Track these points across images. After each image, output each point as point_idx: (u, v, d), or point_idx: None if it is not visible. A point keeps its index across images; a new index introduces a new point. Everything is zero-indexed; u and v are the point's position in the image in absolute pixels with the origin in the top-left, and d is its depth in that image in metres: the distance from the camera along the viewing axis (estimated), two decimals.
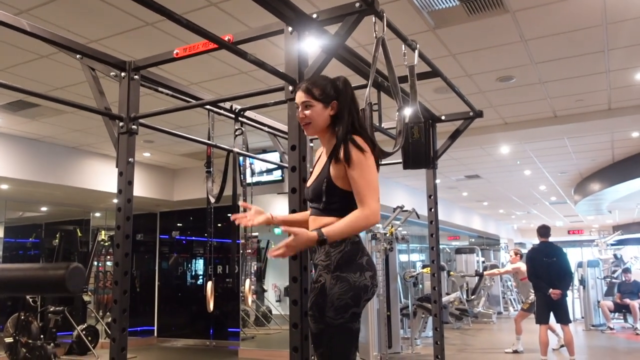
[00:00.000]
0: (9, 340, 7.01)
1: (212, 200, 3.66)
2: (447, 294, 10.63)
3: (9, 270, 0.65)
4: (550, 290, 6.15)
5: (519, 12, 4.09)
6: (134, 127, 2.88)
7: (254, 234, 7.99)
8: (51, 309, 7.64)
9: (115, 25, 4.13)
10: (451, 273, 11.72)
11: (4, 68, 4.84)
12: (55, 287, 0.62)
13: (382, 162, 2.20)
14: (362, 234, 6.96)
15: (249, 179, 5.56)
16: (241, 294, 8.64)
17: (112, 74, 2.97)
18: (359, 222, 1.94)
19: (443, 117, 4.03)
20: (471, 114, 3.96)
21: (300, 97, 2.11)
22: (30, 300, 7.46)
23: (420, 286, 9.89)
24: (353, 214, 1.94)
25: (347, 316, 1.92)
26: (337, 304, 1.92)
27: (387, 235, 7.60)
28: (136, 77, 2.95)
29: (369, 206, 1.94)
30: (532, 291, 7.43)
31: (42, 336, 7.05)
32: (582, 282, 10.87)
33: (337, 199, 2.05)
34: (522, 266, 8.13)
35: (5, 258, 9.59)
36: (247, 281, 4.64)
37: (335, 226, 1.93)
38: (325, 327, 1.94)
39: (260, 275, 10.45)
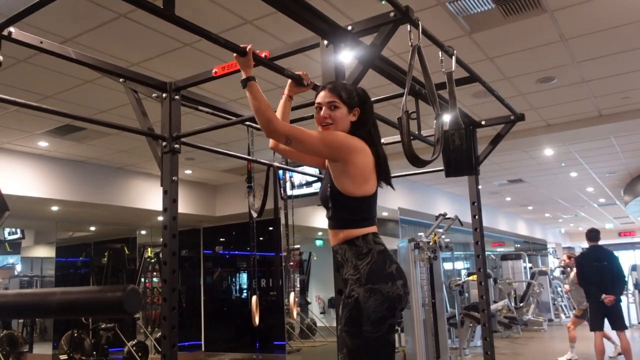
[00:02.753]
0: (63, 357, 7.23)
1: (255, 214, 3.70)
2: (495, 301, 10.39)
3: (67, 293, 0.66)
4: (603, 295, 5.93)
5: (557, 12, 3.99)
6: (176, 146, 2.95)
7: (296, 246, 8.03)
8: (102, 326, 7.85)
9: (154, 48, 4.24)
10: (506, 281, 11.42)
11: (51, 94, 5.04)
12: (113, 309, 0.63)
13: (424, 170, 2.20)
14: (402, 244, 6.85)
15: (289, 192, 5.60)
16: (285, 307, 8.66)
17: (153, 95, 3.05)
18: (266, 112, 1.92)
19: (483, 122, 3.96)
20: (512, 117, 3.87)
21: (325, 96, 2.07)
22: (83, 318, 7.68)
23: (467, 295, 9.70)
24: (271, 112, 1.94)
25: (384, 328, 1.88)
26: (373, 317, 1.87)
27: (431, 243, 7.49)
28: (177, 97, 3.02)
29: (283, 124, 1.96)
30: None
31: (94, 353, 7.24)
32: (637, 286, 10.45)
33: (341, 206, 2.03)
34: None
35: (58, 277, 9.93)
36: (292, 294, 4.66)
37: (256, 91, 1.96)
38: (363, 342, 1.88)
39: (303, 288, 10.47)
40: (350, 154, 1.98)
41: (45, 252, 11.13)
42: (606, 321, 6.10)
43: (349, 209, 2.02)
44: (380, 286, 1.90)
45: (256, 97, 1.95)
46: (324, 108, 2.06)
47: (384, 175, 2.09)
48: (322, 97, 2.08)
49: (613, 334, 6.72)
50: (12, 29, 2.16)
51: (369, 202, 2.04)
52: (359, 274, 1.94)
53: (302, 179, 7.94)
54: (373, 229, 2.03)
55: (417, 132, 3.44)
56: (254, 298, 3.98)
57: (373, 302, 1.88)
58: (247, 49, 2.02)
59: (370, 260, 1.94)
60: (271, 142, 2.25)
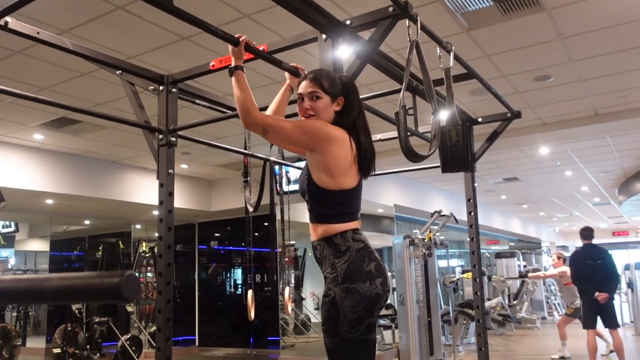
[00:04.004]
0: (57, 351, 7.21)
1: (251, 209, 3.70)
2: (489, 299, 10.42)
3: (65, 279, 0.66)
4: (597, 293, 5.96)
5: (555, 10, 4.00)
6: (173, 139, 2.94)
7: (291, 242, 8.01)
8: (96, 320, 7.84)
9: (151, 41, 4.23)
10: (494, 277, 11.49)
11: (47, 87, 5.02)
12: (110, 294, 0.63)
13: (420, 167, 2.19)
14: (398, 240, 6.86)
15: (285, 188, 5.59)
16: (280, 303, 8.67)
17: (150, 88, 3.03)
18: (246, 103, 1.88)
19: (480, 119, 3.96)
20: (509, 114, 3.88)
21: (306, 86, 2.01)
22: (76, 311, 7.67)
23: (461, 292, 9.73)
24: (252, 105, 1.90)
25: (362, 328, 1.84)
26: (350, 317, 1.83)
27: (426, 240, 7.51)
28: (174, 90, 3.01)
29: (260, 114, 1.90)
30: (577, 296, 7.23)
31: (88, 346, 7.23)
32: (631, 285, 10.50)
33: (318, 199, 1.97)
34: (567, 270, 7.91)
35: (52, 271, 9.89)
36: (287, 289, 4.66)
37: (241, 81, 1.92)
38: (341, 342, 1.86)
39: (298, 284, 10.47)
40: (326, 143, 1.91)
41: (40, 245, 11.09)
42: (599, 320, 6.13)
43: (326, 203, 1.96)
44: (357, 285, 1.85)
45: (240, 87, 1.92)
46: (305, 99, 2.01)
47: (364, 168, 2.00)
48: (303, 87, 2.03)
49: (605, 332, 6.76)
50: (8, 18, 2.14)
51: (349, 196, 1.97)
52: (336, 273, 1.89)
53: (299, 175, 7.94)
54: (353, 224, 1.97)
55: (413, 128, 3.44)
56: (250, 293, 3.99)
57: (350, 302, 1.84)
58: (240, 39, 2.02)
59: (347, 259, 1.89)
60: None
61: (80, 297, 0.66)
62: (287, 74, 2.33)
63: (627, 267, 10.97)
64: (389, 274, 2.06)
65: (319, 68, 2.19)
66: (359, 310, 1.83)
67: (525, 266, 14.13)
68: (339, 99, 2.00)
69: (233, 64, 1.99)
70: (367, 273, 1.87)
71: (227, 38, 2.02)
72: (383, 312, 6.55)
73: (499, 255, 14.45)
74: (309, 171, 1.98)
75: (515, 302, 11.60)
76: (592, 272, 6.11)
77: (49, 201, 7.97)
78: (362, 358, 1.87)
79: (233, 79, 1.95)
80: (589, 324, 6.14)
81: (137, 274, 9.16)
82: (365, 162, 1.99)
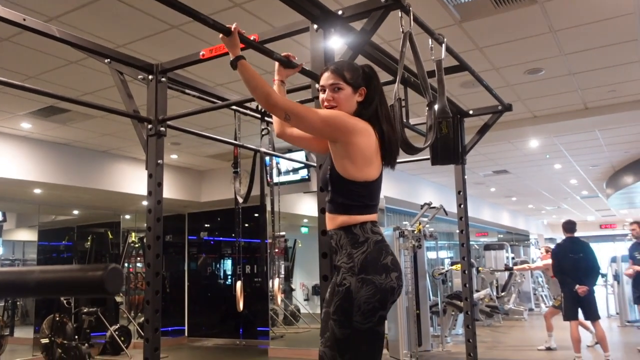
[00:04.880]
0: (45, 341, 7.17)
1: (241, 200, 3.68)
2: (477, 291, 10.49)
3: (47, 272, 0.65)
4: (577, 286, 6.03)
5: (547, 3, 4.00)
6: (162, 129, 2.91)
7: (281, 233, 8.01)
8: (85, 310, 7.80)
9: (141, 29, 4.17)
10: (480, 269, 11.57)
11: (34, 75, 4.95)
12: (93, 288, 0.61)
13: (410, 159, 2.17)
14: (388, 232, 6.88)
15: (275, 179, 5.57)
16: (270, 294, 8.68)
17: (139, 77, 3.00)
18: (263, 87, 1.86)
19: (471, 112, 3.97)
20: (500, 107, 3.89)
21: (328, 77, 2.00)
22: (65, 301, 7.62)
23: (450, 283, 9.78)
24: (272, 90, 1.88)
25: (374, 320, 1.85)
26: (364, 308, 1.83)
27: (415, 232, 7.54)
28: (163, 79, 2.98)
29: (282, 99, 1.88)
30: None
31: (76, 337, 7.20)
32: (617, 277, 10.61)
33: (340, 189, 1.96)
34: None
35: (40, 261, 9.81)
36: (277, 280, 4.66)
37: (248, 69, 1.88)
38: (352, 332, 1.85)
39: (288, 275, 10.49)
40: (350, 134, 1.90)
41: (28, 235, 11.00)
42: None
43: (348, 194, 1.95)
44: (373, 277, 1.85)
45: (250, 75, 1.88)
46: (327, 91, 2.00)
47: (388, 157, 2.00)
48: (324, 79, 2.01)
49: (589, 323, 6.84)
50: None
51: (371, 188, 1.97)
52: (353, 263, 1.89)
53: (289, 166, 7.92)
54: (373, 217, 1.97)
55: (405, 121, 3.44)
56: (239, 284, 3.98)
57: (365, 293, 1.83)
58: (232, 29, 1.97)
59: (365, 250, 1.89)
60: (277, 128, 2.20)
61: (63, 290, 0.65)
62: (276, 67, 2.24)
63: (613, 260, 11.09)
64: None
65: (340, 60, 2.18)
66: (373, 301, 1.83)
67: (513, 258, 14.25)
68: (361, 89, 2.00)
69: (232, 56, 1.93)
70: (383, 266, 1.88)
71: (218, 27, 1.99)
72: None
73: (487, 247, 14.53)
74: (332, 162, 1.97)
75: (503, 293, 11.69)
76: (573, 265, 6.17)
77: (37, 191, 7.90)
78: (371, 349, 1.88)
79: (239, 70, 1.90)
80: (570, 316, 6.21)
81: (121, 267, 9.12)
82: (389, 152, 1.99)
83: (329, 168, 1.98)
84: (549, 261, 8.32)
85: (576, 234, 6.47)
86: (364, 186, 1.94)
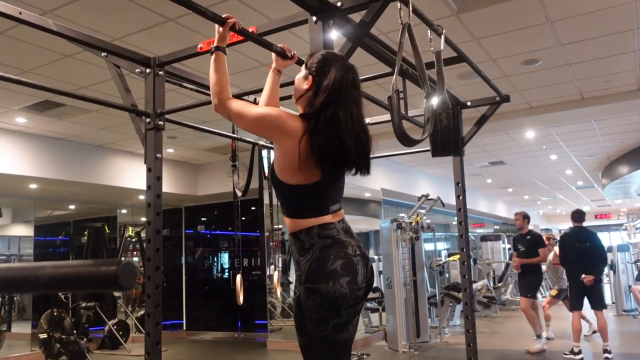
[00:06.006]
0: (43, 336, 7.17)
1: (239, 193, 3.67)
2: (474, 282, 10.55)
3: (59, 267, 0.64)
4: (583, 275, 6.05)
5: None
6: (160, 122, 2.90)
7: (279, 226, 8.02)
8: (83, 305, 7.80)
9: (137, 22, 4.15)
10: (479, 261, 11.61)
11: (29, 69, 4.91)
12: (107, 283, 0.61)
13: (409, 151, 2.15)
14: (385, 224, 6.86)
15: None
16: (268, 286, 8.69)
17: (137, 70, 2.98)
18: (219, 85, 1.87)
19: (469, 103, 3.96)
20: (497, 98, 3.89)
21: None
22: (62, 296, 7.61)
23: (447, 275, 9.83)
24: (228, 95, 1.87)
25: (328, 328, 1.76)
26: (315, 318, 1.76)
27: (413, 224, 7.55)
28: (161, 73, 2.96)
29: (227, 99, 1.87)
30: (562, 277, 7.33)
31: (74, 331, 7.20)
32: (612, 266, 10.68)
33: (280, 193, 1.86)
34: (556, 250, 7.99)
35: (36, 256, 9.79)
36: (276, 273, 4.66)
37: (220, 63, 1.89)
38: (309, 340, 1.80)
39: (285, 267, 10.50)
40: (279, 134, 1.79)
41: (24, 230, 10.95)
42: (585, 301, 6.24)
43: (288, 197, 1.86)
44: (319, 286, 1.74)
45: (216, 69, 1.90)
46: None
47: (323, 165, 1.75)
48: None
49: (589, 313, 6.87)
50: None
51: (311, 191, 1.81)
52: (300, 271, 1.82)
53: None
54: (322, 219, 1.82)
55: (404, 112, 3.43)
56: (239, 277, 3.98)
57: (312, 302, 1.75)
58: (227, 20, 1.97)
59: (310, 257, 1.79)
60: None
61: (76, 285, 0.64)
62: (273, 57, 2.25)
63: (609, 249, 11.14)
64: (372, 263, 1.94)
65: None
66: (322, 310, 1.74)
67: (509, 249, 14.31)
68: (309, 77, 1.85)
69: (215, 44, 1.95)
70: (330, 272, 1.74)
71: (213, 17, 1.98)
72: (370, 295, 6.60)
73: (484, 238, 14.61)
74: (273, 163, 1.89)
75: (500, 284, 11.76)
76: (580, 255, 6.19)
77: (33, 186, 7.86)
78: (332, 357, 1.82)
79: (212, 59, 1.91)
80: (576, 306, 6.24)
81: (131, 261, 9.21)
82: (323, 159, 1.75)
83: (270, 169, 1.90)
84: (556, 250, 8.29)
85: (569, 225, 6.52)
86: (300, 190, 1.81)
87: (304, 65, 1.92)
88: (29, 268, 0.67)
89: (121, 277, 0.61)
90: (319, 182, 1.79)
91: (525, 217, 7.10)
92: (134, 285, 0.63)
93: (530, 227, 7.34)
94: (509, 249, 14.15)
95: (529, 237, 6.98)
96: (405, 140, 2.07)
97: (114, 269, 0.61)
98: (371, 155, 1.88)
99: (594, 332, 7.33)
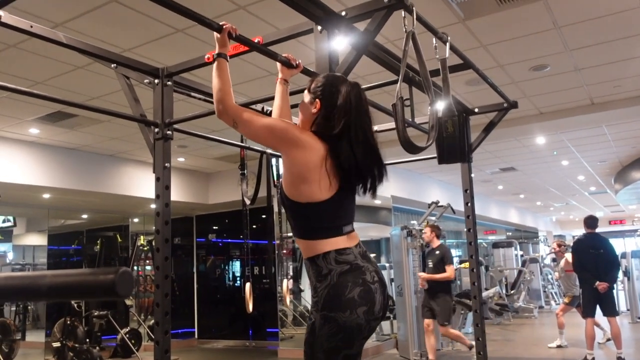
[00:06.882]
0: (56, 344, 7.22)
1: (248, 202, 3.69)
2: (486, 289, 10.47)
3: (59, 276, 0.66)
4: (597, 282, 5.98)
5: None
6: (169, 132, 2.93)
7: (288, 234, 8.03)
8: (95, 314, 7.85)
9: (146, 34, 4.20)
10: (491, 268, 11.53)
11: (42, 81, 4.99)
12: (105, 292, 0.63)
13: (416, 158, 2.16)
14: (395, 231, 6.77)
15: None
16: (279, 295, 8.69)
17: (145, 81, 3.02)
18: (222, 91, 1.85)
19: (476, 110, 3.96)
20: (505, 105, 3.88)
21: None
22: (75, 305, 7.67)
23: (458, 282, 9.76)
24: (231, 100, 1.85)
25: (338, 358, 1.74)
26: (326, 347, 1.73)
27: (423, 231, 7.52)
28: (169, 83, 3.00)
29: (232, 106, 1.84)
30: (575, 284, 7.25)
31: (87, 340, 7.24)
32: (627, 273, 10.56)
33: (290, 212, 1.84)
34: (568, 257, 7.91)
35: (50, 265, 9.90)
36: (285, 281, 4.67)
37: (222, 69, 1.88)
38: None
39: (296, 275, 10.50)
40: (289, 146, 1.76)
41: (37, 240, 11.09)
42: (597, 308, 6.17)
43: (299, 217, 1.83)
44: (335, 314, 1.71)
45: (218, 75, 1.87)
46: None
47: (347, 181, 1.78)
48: None
49: (602, 321, 6.79)
50: (1, 12, 2.13)
51: (322, 209, 1.78)
52: (317, 298, 1.79)
53: None
54: (338, 242, 1.79)
55: (410, 120, 3.44)
56: (248, 285, 3.99)
57: (327, 331, 1.73)
58: (224, 27, 1.97)
59: (328, 284, 1.75)
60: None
61: (75, 294, 0.66)
62: (279, 66, 2.27)
63: (623, 256, 11.02)
64: (384, 277, 1.89)
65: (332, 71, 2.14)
66: (335, 340, 1.72)
67: (522, 255, 14.21)
68: (315, 101, 1.85)
69: (216, 51, 1.94)
70: (348, 301, 1.71)
71: (209, 24, 2.01)
72: None
73: (496, 245, 14.50)
74: (282, 181, 1.86)
75: (512, 291, 11.66)
76: (594, 261, 6.12)
77: (46, 195, 7.95)
78: None
79: (214, 65, 1.91)
80: (589, 313, 6.17)
81: (131, 270, 9.14)
82: (350, 175, 1.78)
83: (279, 186, 1.88)
84: (567, 256, 8.18)
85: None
86: (310, 207, 1.78)
87: (306, 91, 1.91)
88: (30, 277, 0.69)
89: (118, 285, 0.62)
90: (330, 200, 1.78)
91: (434, 230, 6.43)
92: (131, 293, 0.64)
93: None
94: (522, 255, 14.05)
95: (437, 252, 6.29)
96: (410, 147, 2.08)
97: (111, 277, 0.63)
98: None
99: (608, 339, 7.24)
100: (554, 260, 11.72)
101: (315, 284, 1.79)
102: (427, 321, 6.29)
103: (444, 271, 6.15)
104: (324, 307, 1.74)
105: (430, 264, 6.30)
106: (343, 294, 1.72)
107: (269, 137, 1.82)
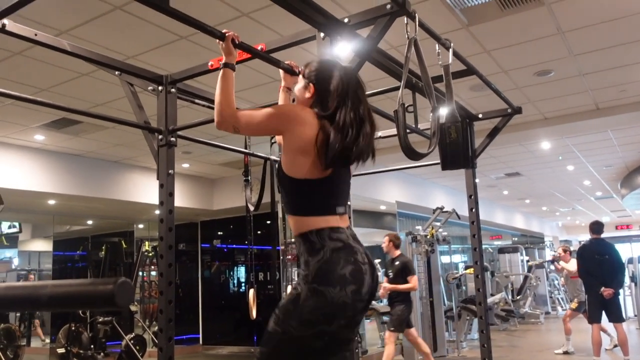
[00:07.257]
0: (61, 351, 7.23)
1: (251, 208, 3.69)
2: (492, 294, 10.42)
3: (59, 286, 0.66)
4: (602, 288, 5.94)
5: (554, 4, 3.98)
6: (172, 139, 2.94)
7: (292, 240, 8.03)
8: (100, 320, 7.85)
9: (150, 41, 4.22)
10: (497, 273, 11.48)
11: (47, 87, 5.02)
12: (104, 302, 0.63)
13: (420, 164, 2.15)
14: (400, 237, 6.72)
15: None
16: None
17: (149, 88, 3.03)
18: (224, 103, 1.82)
19: (480, 115, 3.95)
20: (509, 110, 3.87)
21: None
22: (80, 311, 7.68)
23: (464, 288, 9.73)
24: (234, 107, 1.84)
25: (310, 331, 1.72)
26: (305, 318, 1.72)
27: (428, 237, 7.51)
28: (173, 90, 3.01)
29: (238, 112, 1.82)
30: (581, 290, 7.21)
31: (92, 346, 7.25)
32: (634, 278, 10.48)
33: (287, 188, 1.86)
34: (574, 263, 7.86)
35: (55, 271, 9.93)
36: (289, 287, 4.65)
37: (227, 79, 1.86)
38: (281, 333, 1.76)
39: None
40: (291, 122, 1.81)
41: (43, 245, 11.12)
42: (603, 314, 6.13)
43: (294, 193, 1.85)
44: (325, 289, 1.70)
45: (222, 86, 1.85)
46: None
47: (326, 159, 1.78)
48: None
49: (610, 327, 6.75)
50: (5, 20, 2.14)
51: (318, 186, 1.81)
52: (308, 272, 1.77)
53: None
54: (331, 221, 1.80)
55: (414, 125, 3.44)
56: (252, 291, 3.99)
57: (312, 303, 1.71)
58: (227, 35, 1.96)
59: (321, 259, 1.74)
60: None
61: (75, 304, 0.66)
62: (281, 74, 2.29)
63: (630, 261, 10.94)
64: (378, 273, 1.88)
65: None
66: (318, 314, 1.71)
67: (528, 261, 14.14)
68: (309, 86, 1.91)
69: (223, 61, 1.93)
70: (340, 277, 1.71)
71: (213, 33, 2.00)
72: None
73: (501, 250, 14.44)
74: (280, 160, 1.91)
75: (518, 297, 11.61)
76: (599, 267, 6.09)
77: (51, 202, 7.99)
78: (289, 357, 1.78)
79: (219, 75, 1.89)
80: (595, 318, 6.13)
81: (135, 276, 9.12)
82: (329, 156, 1.78)
83: (277, 165, 1.91)
84: (572, 262, 8.13)
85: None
86: (307, 184, 1.81)
87: (300, 76, 1.96)
88: (30, 287, 0.69)
89: (117, 295, 0.63)
90: (326, 179, 1.81)
91: (392, 240, 6.11)
92: (130, 303, 0.64)
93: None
94: (527, 261, 13.98)
95: (397, 262, 6.01)
96: (411, 154, 2.07)
97: (110, 287, 0.63)
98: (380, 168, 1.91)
99: (615, 345, 7.19)
100: (552, 262, 11.64)
101: (307, 258, 1.78)
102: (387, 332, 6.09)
103: (405, 281, 5.87)
104: (314, 280, 1.73)
105: (391, 274, 6.03)
106: (335, 270, 1.72)
107: (272, 121, 1.83)
